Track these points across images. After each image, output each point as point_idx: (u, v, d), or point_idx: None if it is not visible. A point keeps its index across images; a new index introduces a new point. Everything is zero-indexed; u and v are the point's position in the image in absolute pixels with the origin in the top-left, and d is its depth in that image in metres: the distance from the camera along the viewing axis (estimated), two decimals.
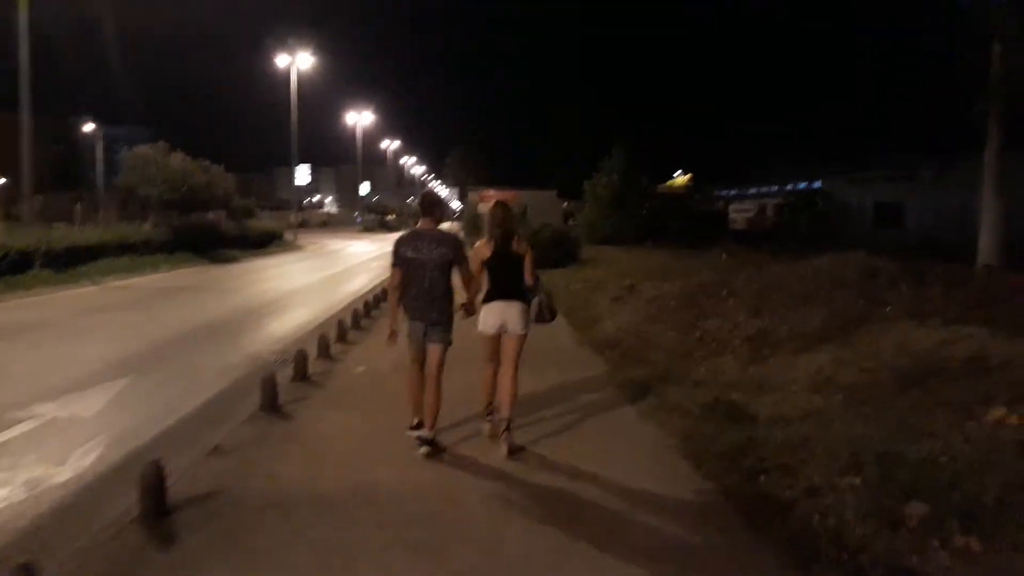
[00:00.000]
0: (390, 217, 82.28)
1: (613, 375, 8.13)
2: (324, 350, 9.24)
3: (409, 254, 5.44)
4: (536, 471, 5.27)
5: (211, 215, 29.94)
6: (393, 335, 5.70)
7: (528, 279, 5.67)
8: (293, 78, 42.71)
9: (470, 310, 5.76)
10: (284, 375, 8.07)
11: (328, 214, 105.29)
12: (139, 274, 20.50)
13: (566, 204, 49.61)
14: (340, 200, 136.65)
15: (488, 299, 5.62)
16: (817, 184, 40.17)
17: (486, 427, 5.93)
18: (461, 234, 42.15)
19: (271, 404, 6.69)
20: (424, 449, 5.44)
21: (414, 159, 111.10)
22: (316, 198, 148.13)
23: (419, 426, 5.62)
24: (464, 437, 5.97)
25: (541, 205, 43.50)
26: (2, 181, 60.82)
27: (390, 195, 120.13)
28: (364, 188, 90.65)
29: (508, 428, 5.51)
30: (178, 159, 26.10)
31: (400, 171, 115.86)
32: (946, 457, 4.57)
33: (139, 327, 12.08)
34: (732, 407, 6.38)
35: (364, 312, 12.70)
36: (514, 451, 5.45)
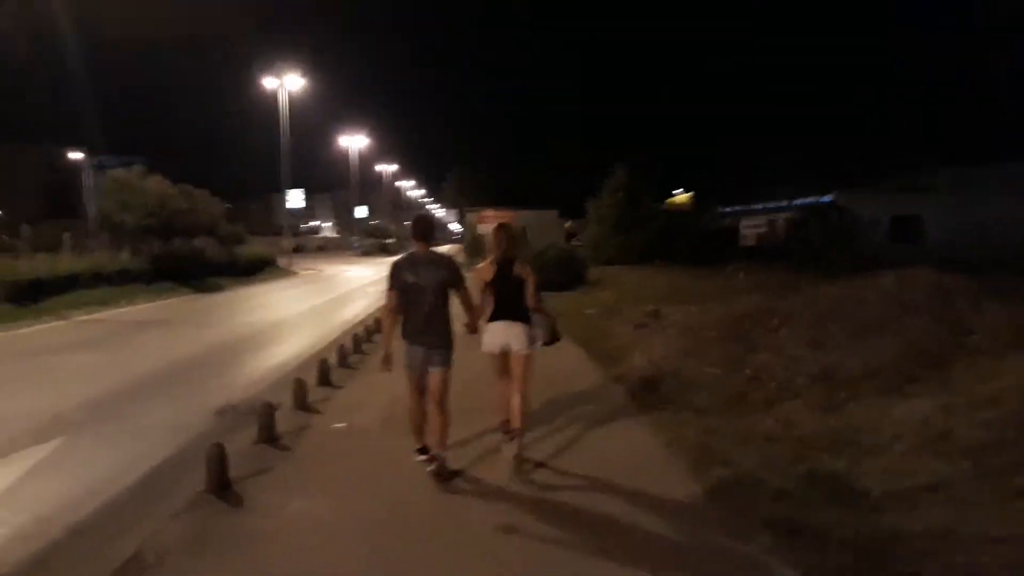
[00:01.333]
0: (389, 241, 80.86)
1: (658, 429, 6.52)
2: (300, 399, 7.65)
3: (409, 279, 5.33)
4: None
5: (196, 242, 28.36)
6: (387, 360, 5.57)
7: (530, 302, 5.64)
8: (282, 99, 41.54)
9: (473, 328, 5.69)
10: (247, 435, 6.51)
11: (325, 239, 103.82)
12: (113, 307, 18.90)
13: (568, 224, 48.27)
14: (338, 225, 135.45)
15: (491, 319, 5.63)
16: (826, 198, 38.70)
17: (506, 445, 5.67)
18: (462, 256, 41.09)
19: (218, 483, 5.11)
20: (433, 466, 5.35)
21: (412, 182, 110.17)
22: (315, 223, 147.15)
23: (424, 450, 5.55)
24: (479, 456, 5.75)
25: (542, 225, 42.13)
26: None
27: (388, 219, 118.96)
28: (361, 212, 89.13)
29: (519, 437, 5.52)
30: (155, 183, 24.59)
31: (397, 194, 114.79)
32: None
33: (93, 371, 10.49)
34: (832, 479, 4.80)
35: (354, 347, 11.15)
36: (520, 460, 5.48)
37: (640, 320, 12.03)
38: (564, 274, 22.23)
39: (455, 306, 5.44)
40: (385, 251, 62.95)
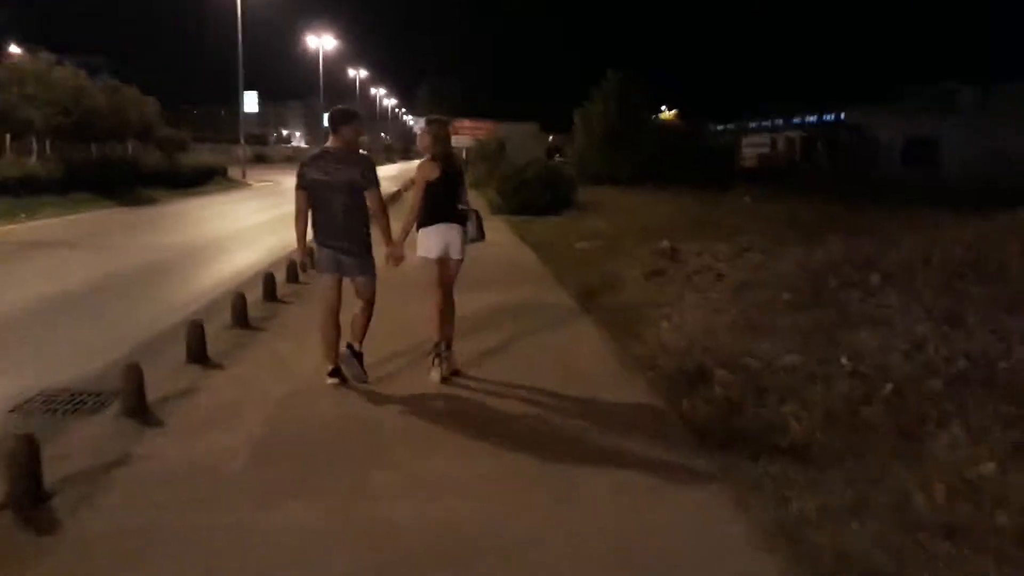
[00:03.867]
0: (362, 152, 76.62)
1: (738, 507, 3.63)
2: (135, 400, 4.70)
3: (315, 175, 4.97)
4: None
5: (129, 148, 24.77)
6: (302, 266, 5.55)
7: (464, 199, 5.37)
8: None
9: (397, 255, 5.21)
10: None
11: (294, 148, 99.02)
12: (7, 222, 15.65)
13: (551, 138, 44.82)
14: (308, 135, 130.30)
15: (429, 222, 5.22)
16: (829, 116, 35.56)
17: (435, 371, 5.30)
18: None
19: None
20: (331, 380, 5.14)
21: (384, 91, 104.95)
22: (284, 132, 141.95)
23: (336, 372, 5.20)
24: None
25: (522, 139, 38.74)
26: None
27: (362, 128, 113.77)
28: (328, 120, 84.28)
29: (449, 348, 5.34)
30: (66, 74, 20.75)
31: (372, 104, 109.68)
32: None
33: None
34: None
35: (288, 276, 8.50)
36: (454, 374, 5.31)
37: (653, 262, 9.15)
38: (548, 195, 19.24)
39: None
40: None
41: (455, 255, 5.32)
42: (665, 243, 9.69)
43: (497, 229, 15.54)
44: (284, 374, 5.49)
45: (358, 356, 5.19)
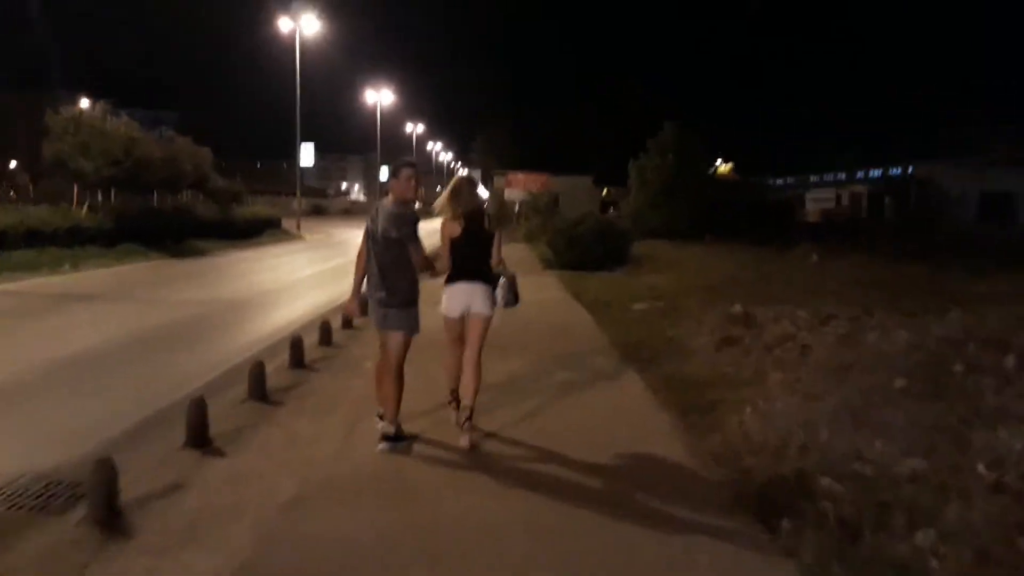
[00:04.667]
0: (417, 206, 77.11)
1: None
2: (103, 502, 3.89)
3: (369, 225, 5.01)
4: None
5: (182, 199, 24.78)
6: (350, 306, 5.36)
7: (494, 261, 5.19)
8: (297, 38, 37.62)
9: (433, 273, 5.14)
10: None
11: (352, 201, 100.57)
12: (45, 273, 15.39)
13: (606, 191, 44.06)
14: (367, 188, 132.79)
15: (451, 280, 5.16)
16: (909, 170, 34.04)
17: (452, 415, 5.27)
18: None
19: None
20: (382, 445, 4.91)
21: (440, 145, 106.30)
22: (344, 186, 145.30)
23: (390, 437, 4.99)
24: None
25: (575, 192, 38.15)
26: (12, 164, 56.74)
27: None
28: (385, 173, 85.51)
29: (470, 418, 5.05)
30: (121, 125, 20.80)
31: (429, 158, 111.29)
32: None
33: None
34: None
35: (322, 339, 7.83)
36: (476, 444, 4.99)
37: (723, 328, 8.14)
38: (602, 250, 18.31)
39: None
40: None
41: (479, 314, 5.09)
42: (737, 307, 8.67)
43: (548, 286, 14.68)
44: (296, 465, 4.63)
45: (394, 438, 4.95)
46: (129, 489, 4.11)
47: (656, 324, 9.27)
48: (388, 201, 4.96)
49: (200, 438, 4.97)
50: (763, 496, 4.02)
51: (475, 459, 4.80)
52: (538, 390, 6.54)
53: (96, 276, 16.07)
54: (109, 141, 19.63)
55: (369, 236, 4.97)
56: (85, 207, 19.45)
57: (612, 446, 4.98)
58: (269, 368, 6.85)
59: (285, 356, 7.41)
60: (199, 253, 22.25)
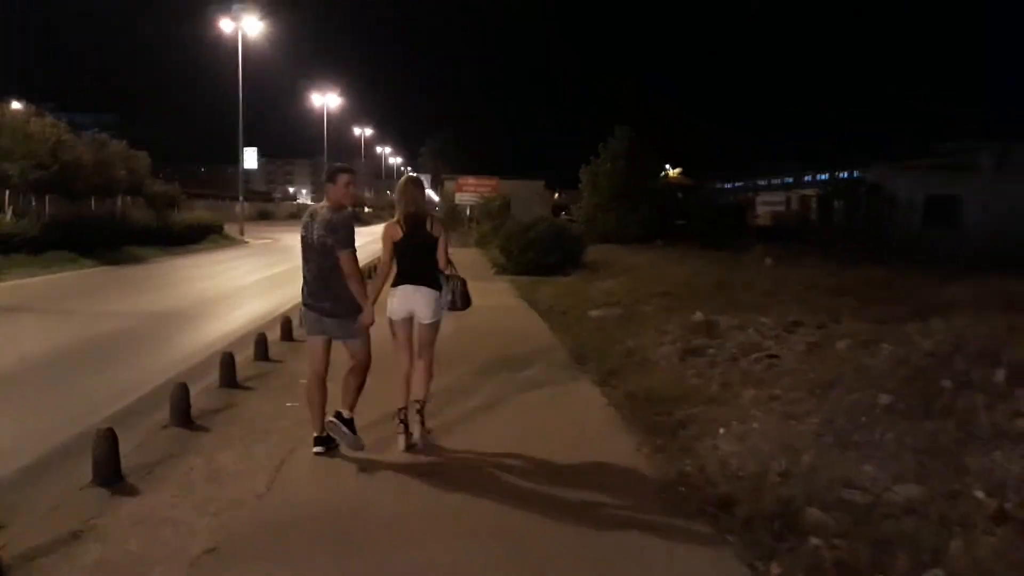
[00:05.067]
0: (367, 209, 75.83)
1: None
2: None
3: (302, 233, 4.81)
4: None
5: (122, 204, 23.61)
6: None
7: (441, 264, 5.09)
8: (240, 46, 36.61)
9: (365, 321, 4.79)
10: None
11: (298, 205, 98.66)
12: None
13: (557, 195, 43.83)
14: (314, 192, 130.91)
15: (395, 283, 5.07)
16: (854, 174, 34.42)
17: (400, 440, 4.93)
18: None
19: None
20: (318, 448, 4.82)
21: (389, 149, 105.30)
22: (291, 190, 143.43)
23: (321, 440, 4.85)
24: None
25: (527, 197, 37.69)
26: None
27: (366, 187, 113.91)
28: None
29: (421, 410, 5.03)
30: (46, 126, 19.66)
31: (378, 161, 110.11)
32: None
33: None
34: None
35: (257, 353, 7.06)
36: (427, 433, 5.07)
37: (686, 337, 7.74)
38: (556, 254, 17.93)
39: None
40: (357, 220, 58.09)
41: (423, 319, 5.05)
42: (698, 314, 8.30)
43: (500, 291, 14.20)
44: (217, 506, 4.05)
45: (347, 423, 4.80)
46: (16, 542, 3.51)
47: (615, 332, 8.84)
48: (323, 206, 4.81)
49: (109, 474, 4.35)
50: (747, 533, 3.58)
51: (426, 489, 4.28)
52: (489, 408, 6.05)
53: (20, 286, 15.05)
54: (34, 143, 18.50)
55: (302, 243, 4.83)
56: (9, 212, 18.28)
57: (574, 476, 4.51)
58: (195, 389, 6.23)
59: (215, 375, 6.78)
60: (135, 260, 21.19)
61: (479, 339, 8.79)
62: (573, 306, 11.41)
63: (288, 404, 6.09)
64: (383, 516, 3.98)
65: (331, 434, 4.82)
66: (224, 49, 38.70)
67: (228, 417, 5.77)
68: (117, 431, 4.47)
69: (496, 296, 13.28)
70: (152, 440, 5.17)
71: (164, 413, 5.60)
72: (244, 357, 7.66)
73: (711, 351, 7.07)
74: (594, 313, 10.37)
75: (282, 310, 11.13)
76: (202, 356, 8.32)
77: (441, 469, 4.63)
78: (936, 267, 13.92)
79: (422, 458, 4.82)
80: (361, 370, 4.86)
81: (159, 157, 30.35)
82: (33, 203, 18.62)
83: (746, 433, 4.62)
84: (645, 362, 7.27)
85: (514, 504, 4.09)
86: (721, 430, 4.75)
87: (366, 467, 4.65)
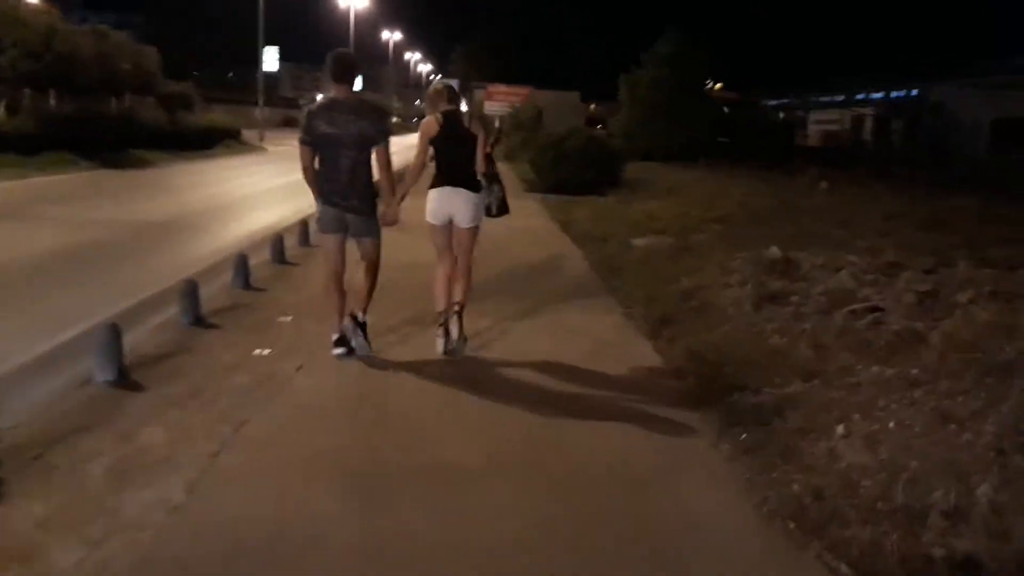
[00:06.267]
0: (395, 120, 73.49)
1: None
2: None
3: (323, 128, 4.53)
4: None
5: (127, 103, 22.12)
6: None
7: (480, 165, 4.90)
8: None
9: (390, 217, 4.76)
10: None
11: None
12: None
13: (593, 107, 41.51)
14: None
15: (433, 185, 4.90)
16: (912, 93, 31.83)
17: (439, 343, 4.83)
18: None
19: None
20: (338, 350, 4.67)
21: (418, 55, 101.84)
22: (318, 97, 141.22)
23: (341, 341, 4.73)
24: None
25: (560, 108, 35.60)
26: None
27: (394, 95, 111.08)
28: (356, 84, 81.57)
29: (460, 312, 4.91)
30: (38, 12, 17.96)
31: (406, 70, 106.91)
32: None
33: None
34: None
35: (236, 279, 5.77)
36: (464, 338, 4.92)
37: (758, 277, 6.25)
38: (591, 171, 16.29)
39: None
40: None
41: (462, 223, 4.91)
42: (774, 250, 6.76)
43: (530, 212, 12.69)
44: (116, 523, 2.76)
45: (362, 325, 4.77)
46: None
47: (665, 267, 7.36)
48: (346, 98, 4.54)
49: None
50: None
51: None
52: (512, 366, 4.71)
53: (6, 189, 13.82)
54: (24, 30, 16.92)
55: (325, 138, 4.52)
56: (2, 108, 16.89)
57: (625, 490, 3.16)
58: (149, 324, 4.98)
59: (175, 308, 5.48)
60: (140, 164, 19.87)
61: (504, 272, 7.42)
62: (612, 232, 9.90)
63: (257, 352, 4.79)
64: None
65: (347, 334, 4.69)
66: None
67: (173, 368, 4.46)
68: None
69: (524, 217, 11.81)
70: (69, 402, 3.89)
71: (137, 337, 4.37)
72: (221, 284, 6.38)
73: (794, 298, 5.59)
74: (639, 242, 8.87)
75: (288, 223, 9.89)
76: (176, 277, 7.02)
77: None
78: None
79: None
80: (374, 270, 4.79)
81: (185, 59, 28.77)
82: (26, 98, 17.17)
83: (877, 437, 3.20)
84: (707, 308, 5.82)
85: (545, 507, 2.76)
86: (839, 428, 3.34)
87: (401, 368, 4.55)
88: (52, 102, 18.78)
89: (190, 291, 5.49)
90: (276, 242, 7.86)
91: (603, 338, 5.40)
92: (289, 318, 5.57)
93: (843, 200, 13.76)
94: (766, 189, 15.24)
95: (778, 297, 5.69)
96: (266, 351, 4.79)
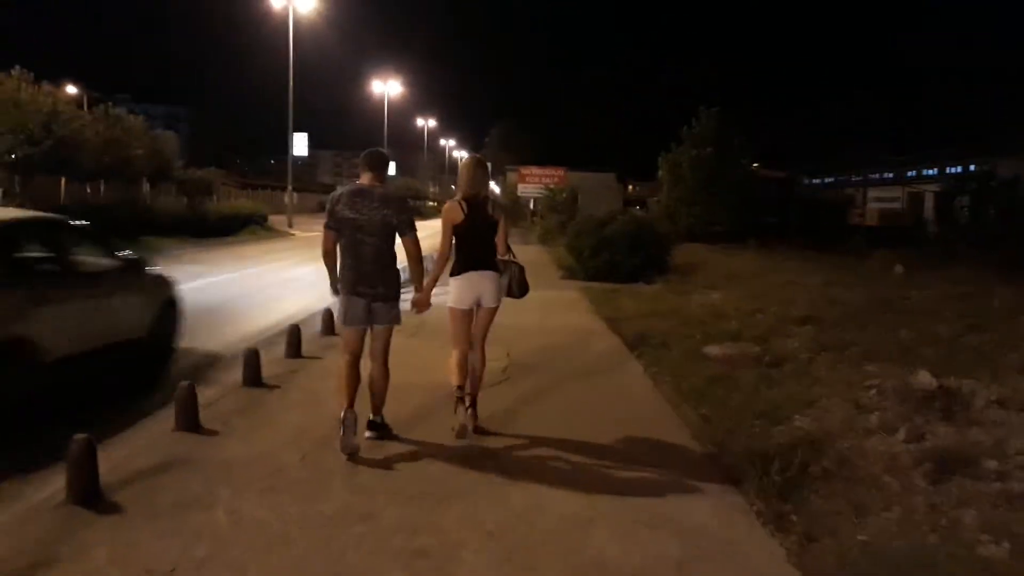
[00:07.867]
0: (429, 204, 72.79)
1: None
2: None
3: (347, 214, 4.55)
4: None
5: (144, 190, 21.13)
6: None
7: (500, 249, 4.94)
8: (291, 28, 34.11)
9: (423, 303, 4.82)
10: None
11: None
12: None
13: (630, 188, 40.21)
14: None
15: (459, 270, 4.89)
16: (970, 167, 29.88)
17: (459, 416, 4.77)
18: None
19: None
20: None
21: (453, 142, 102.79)
22: (356, 183, 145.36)
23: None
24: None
25: (596, 189, 34.34)
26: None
27: (428, 180, 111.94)
28: (391, 169, 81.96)
29: (474, 404, 4.84)
30: (39, 95, 17.00)
31: (443, 155, 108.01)
32: None
33: None
34: None
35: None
36: (477, 430, 4.80)
37: (915, 427, 4.32)
38: (637, 256, 14.56)
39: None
40: (418, 214, 55.30)
41: (488, 303, 4.87)
42: (925, 376, 4.83)
43: (570, 304, 10.87)
44: None
45: (383, 427, 4.74)
46: None
47: (763, 393, 5.45)
48: (372, 186, 4.57)
49: None
50: None
51: None
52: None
53: None
54: (23, 114, 15.92)
55: (348, 225, 4.48)
56: None
57: None
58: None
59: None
60: (149, 252, 18.61)
61: (537, 403, 5.61)
62: (674, 333, 8.04)
63: None
64: None
65: (344, 426, 4.38)
66: (283, 36, 36.28)
67: (152, 487, 2.64)
68: None
69: (563, 310, 10.04)
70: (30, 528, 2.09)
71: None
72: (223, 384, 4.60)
73: (991, 463, 3.65)
74: (712, 350, 6.96)
75: (300, 316, 8.22)
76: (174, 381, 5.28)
77: None
78: None
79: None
80: (384, 362, 4.66)
81: (227, 147, 28.38)
82: (16, 184, 15.94)
83: None
84: (848, 473, 3.89)
85: None
86: None
87: None
88: (63, 191, 17.71)
89: (188, 396, 3.73)
90: (251, 357, 6.13)
91: (702, 533, 3.48)
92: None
93: (932, 288, 11.77)
94: (838, 277, 13.32)
95: (959, 458, 3.76)
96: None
